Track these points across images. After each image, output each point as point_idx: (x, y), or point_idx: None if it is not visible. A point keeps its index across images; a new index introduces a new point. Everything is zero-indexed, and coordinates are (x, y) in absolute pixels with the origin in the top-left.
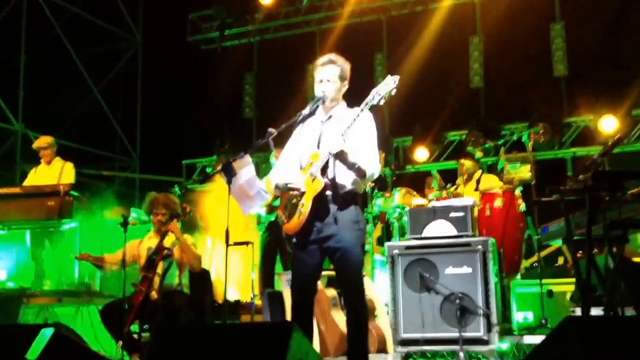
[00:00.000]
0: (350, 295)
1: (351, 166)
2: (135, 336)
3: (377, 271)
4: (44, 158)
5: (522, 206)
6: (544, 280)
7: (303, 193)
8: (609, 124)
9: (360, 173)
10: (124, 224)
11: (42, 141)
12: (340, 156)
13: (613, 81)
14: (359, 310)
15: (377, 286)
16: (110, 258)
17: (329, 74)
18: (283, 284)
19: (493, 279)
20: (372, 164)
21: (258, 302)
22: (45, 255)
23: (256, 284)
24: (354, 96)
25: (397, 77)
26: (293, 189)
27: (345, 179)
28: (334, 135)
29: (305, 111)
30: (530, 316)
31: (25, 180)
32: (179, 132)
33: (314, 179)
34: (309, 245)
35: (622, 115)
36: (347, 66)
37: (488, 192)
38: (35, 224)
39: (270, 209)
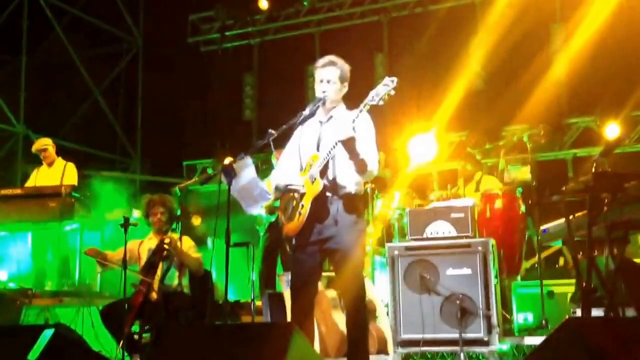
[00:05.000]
0: (350, 296)
1: (356, 156)
2: (136, 337)
3: (377, 272)
4: (45, 160)
5: (523, 207)
6: (545, 281)
7: (303, 194)
8: (612, 131)
9: (362, 166)
10: (125, 224)
11: (41, 143)
12: (348, 144)
13: (613, 82)
14: (359, 311)
15: (378, 287)
16: (112, 255)
17: (329, 74)
18: (284, 285)
19: (493, 280)
20: (372, 161)
21: (258, 303)
22: (46, 256)
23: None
24: (355, 97)
25: (395, 79)
26: (292, 191)
27: (346, 180)
28: (344, 123)
29: (306, 112)
30: (530, 317)
31: (27, 182)
32: (180, 133)
33: (314, 181)
34: (309, 247)
35: (623, 119)
36: (347, 68)
37: (488, 193)
38: (36, 225)
39: (272, 210)
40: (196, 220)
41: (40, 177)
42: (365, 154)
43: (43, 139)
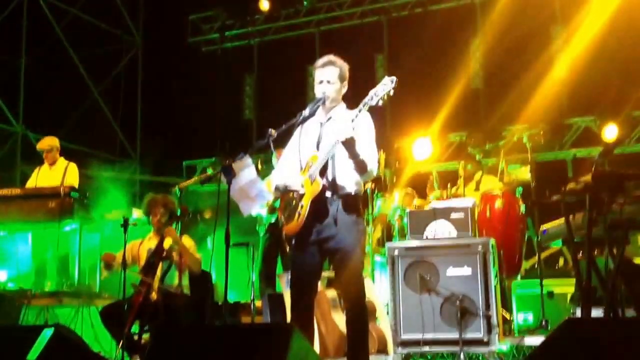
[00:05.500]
0: (350, 296)
1: (356, 156)
2: (136, 337)
3: (377, 272)
4: (46, 159)
5: (523, 207)
6: (545, 282)
7: (302, 194)
8: (610, 132)
9: (362, 166)
10: (124, 224)
11: (46, 143)
12: (348, 144)
13: (613, 82)
14: (359, 312)
15: (378, 287)
16: (116, 258)
17: (329, 74)
18: (283, 285)
19: (493, 280)
20: (372, 161)
21: (258, 303)
22: (46, 257)
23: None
24: (355, 98)
25: (394, 78)
26: (292, 191)
27: (345, 180)
28: (343, 122)
29: (306, 112)
30: (530, 317)
31: (28, 181)
32: (179, 133)
33: (313, 181)
34: (309, 247)
35: (621, 121)
36: (346, 67)
37: (488, 193)
38: (36, 225)
39: (272, 209)
40: (207, 214)
41: (41, 177)
42: (364, 153)
43: (50, 139)
